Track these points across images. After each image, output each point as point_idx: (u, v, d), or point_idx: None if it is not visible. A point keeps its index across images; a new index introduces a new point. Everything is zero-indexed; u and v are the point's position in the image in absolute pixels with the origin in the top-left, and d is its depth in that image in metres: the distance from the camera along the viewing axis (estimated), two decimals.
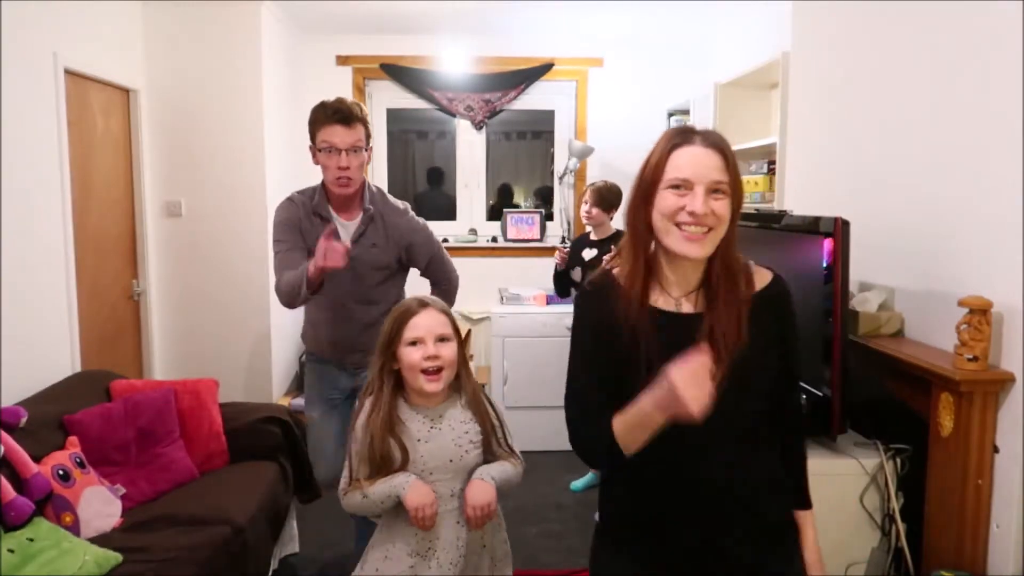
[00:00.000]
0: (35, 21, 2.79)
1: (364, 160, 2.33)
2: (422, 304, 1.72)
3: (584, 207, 3.53)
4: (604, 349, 1.32)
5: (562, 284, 3.72)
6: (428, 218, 2.57)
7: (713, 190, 1.24)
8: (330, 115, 2.24)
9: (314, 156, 2.32)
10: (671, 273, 1.32)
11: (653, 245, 1.32)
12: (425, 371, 1.65)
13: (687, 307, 1.33)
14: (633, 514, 1.36)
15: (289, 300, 2.27)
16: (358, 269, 2.33)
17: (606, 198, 3.49)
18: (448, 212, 4.91)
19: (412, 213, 2.49)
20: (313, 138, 2.30)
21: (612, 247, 3.44)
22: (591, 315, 1.36)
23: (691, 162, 1.25)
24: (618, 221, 3.63)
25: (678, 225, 1.25)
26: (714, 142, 1.27)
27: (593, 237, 3.59)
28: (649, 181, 1.28)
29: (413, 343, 1.66)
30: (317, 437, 2.57)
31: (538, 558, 3.01)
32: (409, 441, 1.65)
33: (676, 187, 1.25)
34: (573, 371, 1.38)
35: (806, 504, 1.42)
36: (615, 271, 1.36)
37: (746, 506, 1.32)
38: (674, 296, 1.33)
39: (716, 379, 1.19)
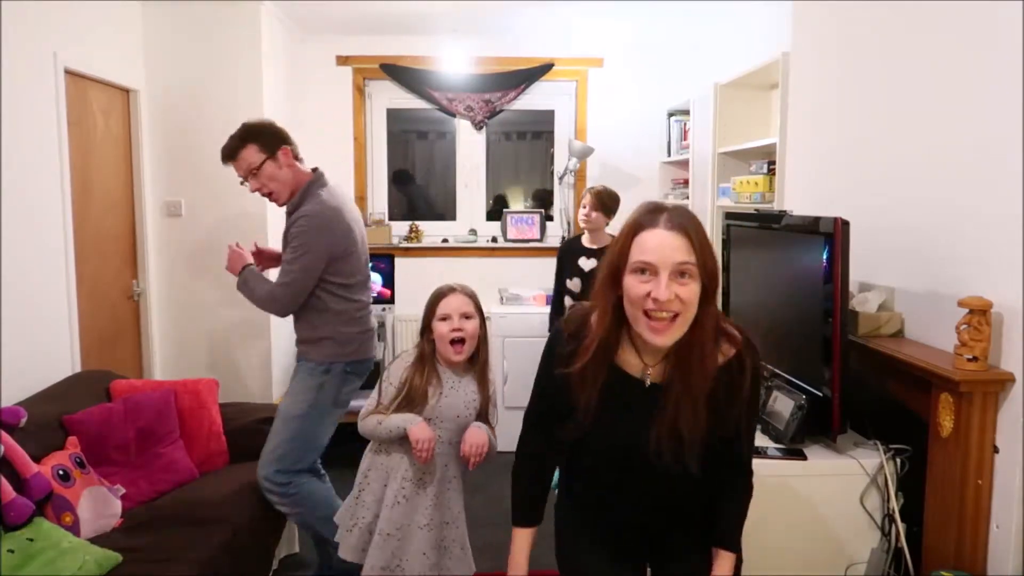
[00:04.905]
0: (35, 21, 2.79)
1: (260, 176, 2.67)
2: (451, 289, 2.11)
3: (583, 210, 3.49)
4: (556, 390, 1.42)
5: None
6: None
7: (679, 273, 1.23)
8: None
9: None
10: (644, 342, 1.31)
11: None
12: (452, 342, 2.02)
13: (655, 376, 1.34)
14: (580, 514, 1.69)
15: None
16: None
17: (606, 203, 3.47)
18: (417, 213, 4.92)
19: (308, 216, 2.52)
20: None
21: None
22: (558, 356, 1.43)
23: (656, 247, 1.23)
24: (614, 227, 3.62)
25: (646, 313, 1.24)
26: (679, 224, 1.24)
27: (589, 244, 3.51)
28: (615, 265, 1.28)
29: (443, 319, 2.04)
30: (320, 440, 2.60)
31: (537, 558, 3.00)
32: (436, 391, 2.04)
33: (642, 271, 1.25)
34: (533, 394, 1.56)
35: (730, 546, 1.44)
36: (593, 318, 1.37)
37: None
38: (645, 361, 1.34)
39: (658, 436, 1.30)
